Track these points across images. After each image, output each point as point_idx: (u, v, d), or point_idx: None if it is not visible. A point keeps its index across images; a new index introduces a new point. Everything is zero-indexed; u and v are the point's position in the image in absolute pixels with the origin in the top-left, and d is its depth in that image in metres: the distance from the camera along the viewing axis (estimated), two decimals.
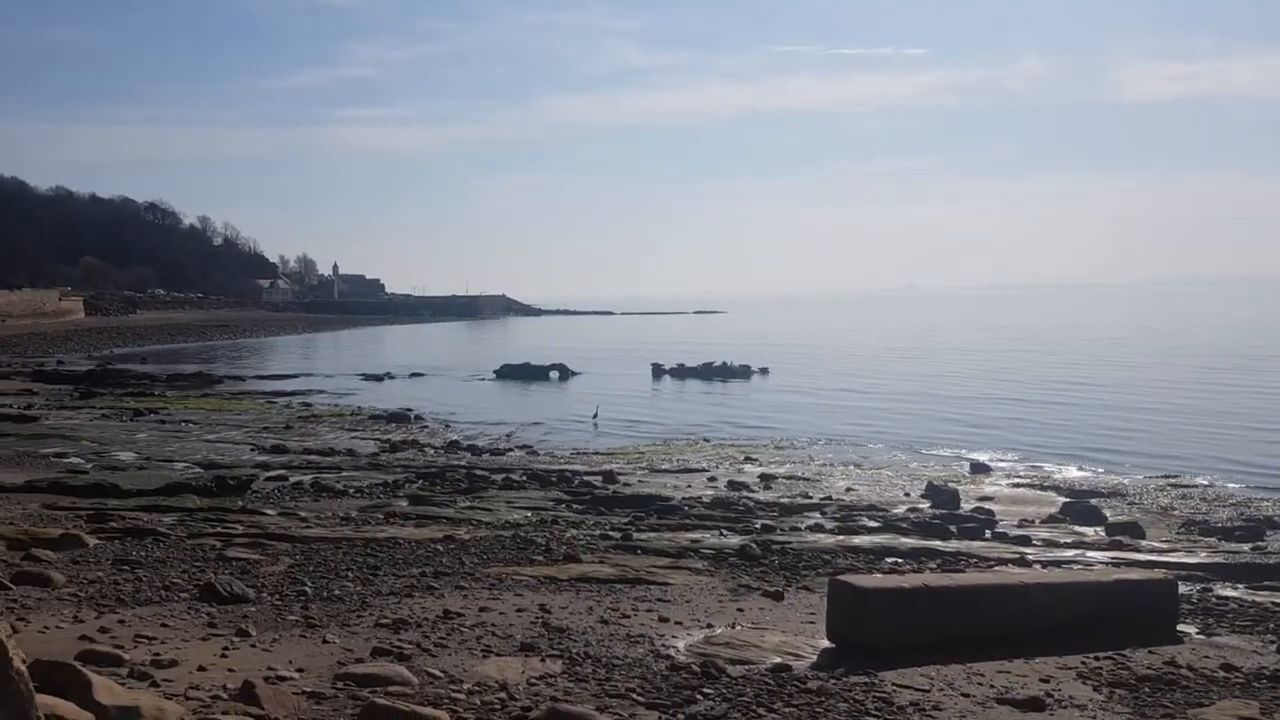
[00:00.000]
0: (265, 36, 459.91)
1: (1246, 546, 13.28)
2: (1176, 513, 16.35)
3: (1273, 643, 8.09)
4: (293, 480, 17.63)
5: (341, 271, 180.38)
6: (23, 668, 3.37)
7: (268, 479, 17.69)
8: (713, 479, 19.26)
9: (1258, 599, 10.03)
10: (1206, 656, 7.53)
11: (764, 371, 46.64)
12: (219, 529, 12.32)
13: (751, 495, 17.16)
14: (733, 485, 18.32)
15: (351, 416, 29.93)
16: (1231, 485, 18.80)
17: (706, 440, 25.38)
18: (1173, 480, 19.31)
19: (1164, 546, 13.34)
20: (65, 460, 19.72)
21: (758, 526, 14.02)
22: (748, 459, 22.15)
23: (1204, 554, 12.69)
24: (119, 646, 6.68)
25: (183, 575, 9.38)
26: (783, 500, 16.68)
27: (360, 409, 31.98)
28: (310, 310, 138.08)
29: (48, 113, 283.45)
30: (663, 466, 20.93)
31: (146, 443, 22.94)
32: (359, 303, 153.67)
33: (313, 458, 20.97)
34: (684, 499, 16.41)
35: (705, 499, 16.55)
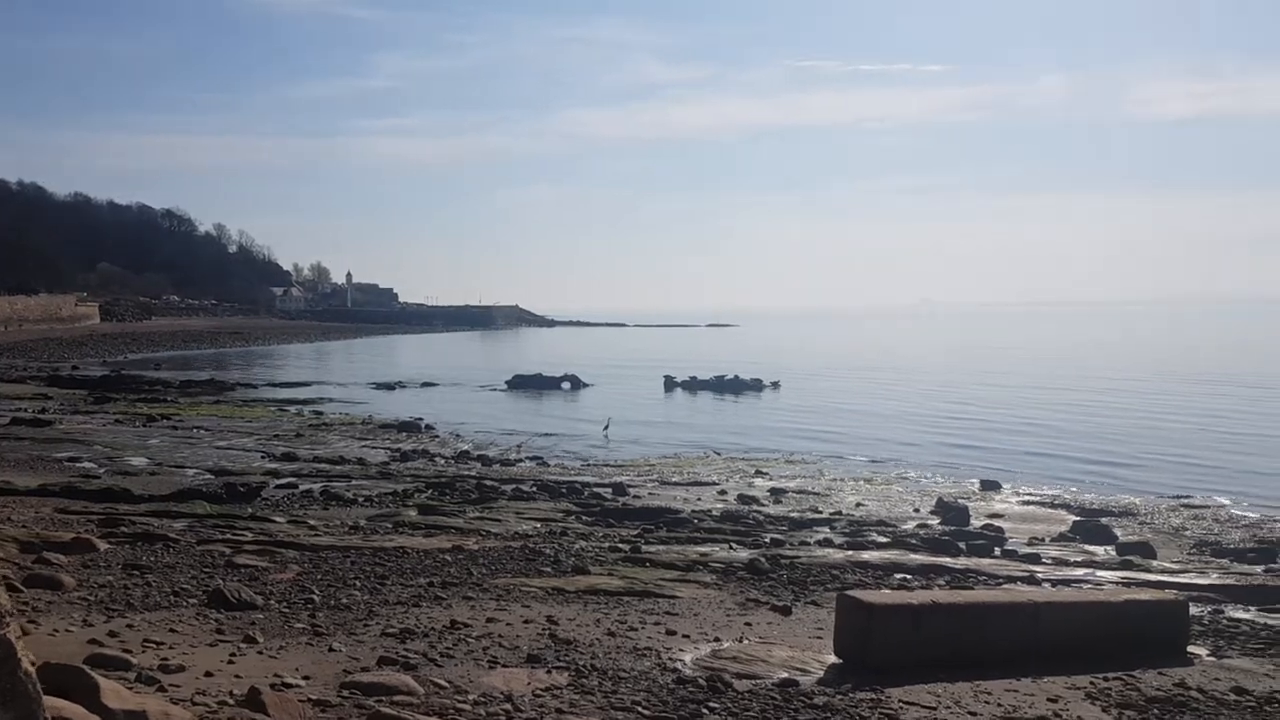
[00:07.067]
0: (287, 47, 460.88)
1: (1259, 569, 13.20)
2: (1188, 533, 16.25)
3: None
4: (302, 488, 17.68)
5: (355, 280, 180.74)
6: (30, 669, 3.39)
7: (277, 486, 17.75)
8: (723, 492, 19.24)
9: (1270, 621, 9.94)
10: (1217, 679, 7.48)
11: (775, 385, 46.61)
12: (228, 536, 12.36)
13: (761, 509, 17.13)
14: (742, 499, 18.29)
15: (362, 425, 30.00)
16: (1244, 507, 18.67)
17: (717, 453, 25.37)
18: (1185, 501, 19.20)
19: (1175, 567, 13.27)
20: (78, 465, 19.81)
21: (767, 540, 13.99)
22: (758, 473, 22.11)
23: (1216, 575, 12.61)
24: (127, 650, 6.70)
25: (192, 581, 9.42)
26: (792, 515, 16.64)
27: (371, 418, 32.05)
28: (323, 319, 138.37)
29: (67, 120, 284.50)
30: (673, 479, 20.91)
31: (158, 448, 23.03)
32: (372, 312, 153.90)
33: (323, 466, 21.02)
34: (693, 512, 16.40)
35: (715, 512, 16.53)
